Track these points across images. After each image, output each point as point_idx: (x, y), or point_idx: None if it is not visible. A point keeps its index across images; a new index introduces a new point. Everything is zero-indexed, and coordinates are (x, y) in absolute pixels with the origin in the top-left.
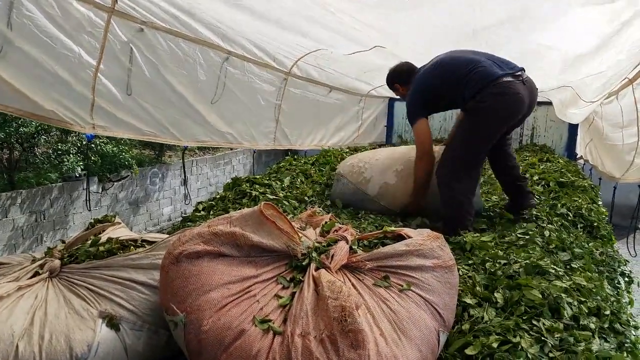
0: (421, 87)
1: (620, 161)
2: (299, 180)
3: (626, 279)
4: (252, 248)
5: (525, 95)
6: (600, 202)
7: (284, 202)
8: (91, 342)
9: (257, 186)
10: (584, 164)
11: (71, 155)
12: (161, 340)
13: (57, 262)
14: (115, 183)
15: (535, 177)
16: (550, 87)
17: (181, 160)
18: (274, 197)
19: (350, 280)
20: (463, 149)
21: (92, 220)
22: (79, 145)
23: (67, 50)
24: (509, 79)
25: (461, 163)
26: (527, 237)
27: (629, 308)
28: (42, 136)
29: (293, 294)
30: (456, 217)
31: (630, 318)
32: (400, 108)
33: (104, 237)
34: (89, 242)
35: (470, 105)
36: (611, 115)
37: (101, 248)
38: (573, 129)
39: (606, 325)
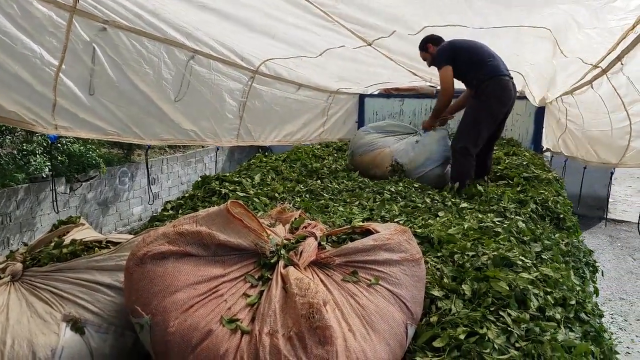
0: (452, 44)
1: (613, 147)
2: (269, 177)
3: (591, 268)
4: (219, 247)
5: (513, 94)
6: (565, 194)
7: (255, 199)
8: (55, 347)
9: (226, 184)
10: (552, 157)
11: (37, 156)
12: (128, 342)
13: (19, 266)
14: (84, 183)
15: (498, 174)
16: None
17: (151, 159)
18: (244, 194)
19: (319, 277)
20: (471, 127)
21: (57, 222)
22: (44, 145)
23: (28, 51)
24: (507, 78)
25: (469, 138)
26: (498, 226)
27: (594, 297)
28: (7, 136)
29: (261, 292)
30: (464, 174)
31: (595, 307)
32: (371, 104)
33: (67, 239)
34: (52, 244)
35: (477, 91)
36: (590, 103)
37: (64, 250)
38: (539, 122)
39: (572, 315)
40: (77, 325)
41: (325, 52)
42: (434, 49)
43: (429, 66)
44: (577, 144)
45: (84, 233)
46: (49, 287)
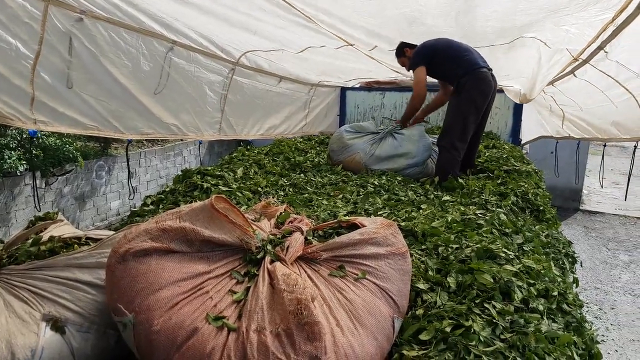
0: (427, 44)
1: (628, 118)
2: (252, 170)
3: (570, 259)
4: (203, 243)
5: (493, 86)
6: (544, 186)
7: (238, 193)
8: (35, 347)
9: (208, 178)
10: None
11: (12, 151)
12: (110, 341)
13: None
14: (60, 177)
15: (479, 167)
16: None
17: (129, 152)
18: (227, 188)
19: (305, 272)
20: (456, 122)
21: (33, 218)
22: (19, 139)
23: (3, 43)
24: (485, 70)
25: (455, 133)
26: (480, 218)
27: (574, 288)
28: None
29: (248, 289)
30: (449, 168)
31: (576, 298)
32: (352, 97)
33: (45, 236)
34: (30, 241)
35: (457, 86)
36: (577, 88)
37: (43, 247)
38: (517, 115)
39: (554, 306)
40: (57, 325)
41: (306, 50)
42: (411, 52)
43: (408, 70)
44: (588, 124)
45: (63, 229)
46: (28, 286)
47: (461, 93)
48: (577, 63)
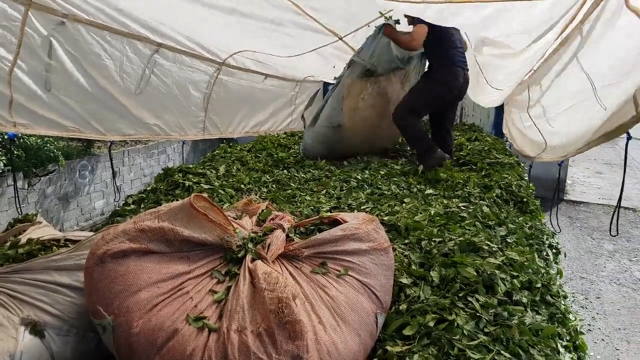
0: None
1: (531, 142)
2: (234, 168)
3: (554, 250)
4: (183, 243)
5: (462, 84)
6: (526, 178)
7: (220, 191)
8: (13, 352)
9: (190, 176)
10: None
11: None
12: (90, 344)
13: None
14: (42, 178)
15: (461, 160)
16: None
17: (112, 151)
18: (209, 186)
19: (287, 269)
20: (413, 100)
21: (12, 220)
22: (0, 140)
23: None
24: (459, 69)
25: (409, 109)
26: (463, 211)
27: (557, 279)
28: None
29: (229, 288)
30: (417, 134)
31: (560, 289)
32: None
33: (24, 238)
34: (8, 244)
35: (430, 73)
36: (519, 102)
37: (20, 250)
38: (499, 107)
39: (538, 298)
40: (36, 329)
41: (295, 57)
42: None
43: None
44: (514, 133)
45: (41, 231)
46: (5, 290)
47: (427, 80)
48: (541, 61)
